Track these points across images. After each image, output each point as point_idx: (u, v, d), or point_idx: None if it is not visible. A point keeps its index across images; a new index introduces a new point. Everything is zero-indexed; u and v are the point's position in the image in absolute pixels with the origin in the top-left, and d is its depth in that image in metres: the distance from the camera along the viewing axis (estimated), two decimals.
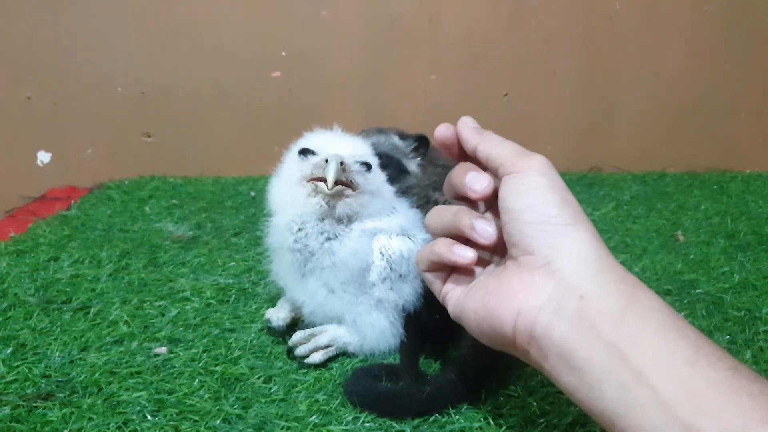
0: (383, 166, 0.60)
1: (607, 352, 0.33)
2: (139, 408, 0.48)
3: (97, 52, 1.26)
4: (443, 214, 0.43)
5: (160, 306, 0.67)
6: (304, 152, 0.54)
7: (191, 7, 1.26)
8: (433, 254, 0.43)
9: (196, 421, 0.47)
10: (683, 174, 1.31)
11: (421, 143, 0.69)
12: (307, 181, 0.53)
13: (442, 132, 0.43)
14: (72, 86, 1.27)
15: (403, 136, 0.70)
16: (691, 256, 0.83)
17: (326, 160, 0.51)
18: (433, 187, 0.69)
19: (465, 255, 0.41)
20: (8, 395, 0.50)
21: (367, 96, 1.29)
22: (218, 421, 0.47)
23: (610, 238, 0.91)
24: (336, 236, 0.54)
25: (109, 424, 0.46)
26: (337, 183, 0.51)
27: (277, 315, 0.59)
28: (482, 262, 0.42)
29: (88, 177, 1.24)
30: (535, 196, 0.37)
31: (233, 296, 0.70)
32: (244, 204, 1.10)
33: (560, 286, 0.35)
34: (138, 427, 0.46)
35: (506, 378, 0.53)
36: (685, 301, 0.70)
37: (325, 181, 0.51)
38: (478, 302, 0.40)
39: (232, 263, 0.80)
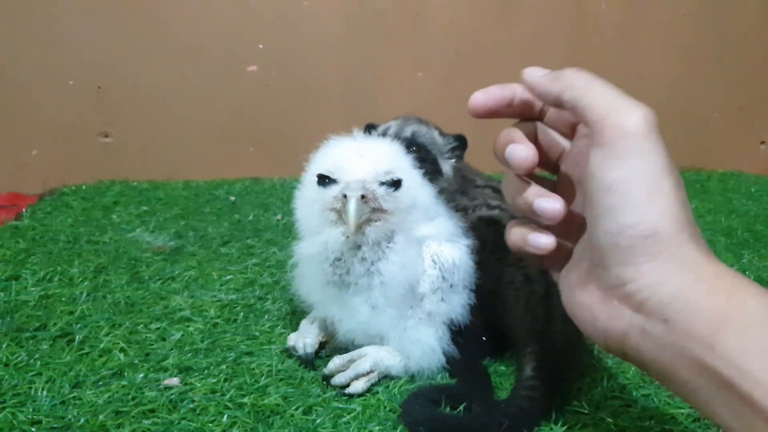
0: (421, 160, 0.54)
1: (707, 378, 0.29)
2: None
3: (46, 37, 1.11)
4: (507, 192, 0.39)
5: (158, 329, 0.58)
6: (322, 179, 0.48)
7: None
8: (511, 244, 0.38)
9: None
10: None
11: (461, 144, 0.64)
12: (330, 210, 0.47)
13: (479, 99, 0.37)
14: (13, 77, 1.12)
15: (441, 133, 0.64)
16: None
17: (345, 195, 0.45)
18: (460, 191, 0.63)
19: (539, 244, 0.36)
20: None
21: (350, 93, 1.23)
22: None
23: None
24: (380, 258, 0.48)
25: None
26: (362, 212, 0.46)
27: (303, 341, 0.52)
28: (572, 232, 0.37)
29: (34, 182, 1.09)
30: (617, 195, 0.31)
31: (240, 314, 0.62)
32: (225, 210, 1.00)
33: (640, 310, 0.31)
34: None
35: (568, 392, 0.49)
36: None
37: None
38: (570, 304, 0.36)
39: (229, 276, 0.71)
